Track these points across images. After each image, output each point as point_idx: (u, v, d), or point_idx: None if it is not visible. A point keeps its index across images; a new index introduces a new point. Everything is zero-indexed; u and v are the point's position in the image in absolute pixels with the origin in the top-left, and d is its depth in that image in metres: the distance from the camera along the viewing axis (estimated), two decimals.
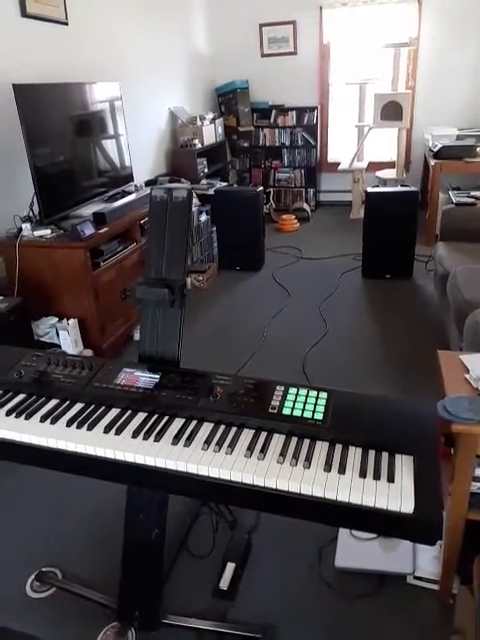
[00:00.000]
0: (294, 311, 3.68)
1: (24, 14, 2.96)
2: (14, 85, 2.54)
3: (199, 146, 4.97)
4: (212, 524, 1.84)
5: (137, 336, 3.35)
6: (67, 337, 2.74)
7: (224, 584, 1.65)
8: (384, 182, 5.59)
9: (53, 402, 1.33)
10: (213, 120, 5.41)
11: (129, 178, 3.76)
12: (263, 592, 1.67)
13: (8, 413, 1.29)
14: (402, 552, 1.72)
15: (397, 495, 1.01)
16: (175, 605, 1.60)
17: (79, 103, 3.15)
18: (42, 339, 2.75)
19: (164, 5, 4.72)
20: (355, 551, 1.74)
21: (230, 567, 1.69)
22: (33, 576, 1.75)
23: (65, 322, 2.77)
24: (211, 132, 5.31)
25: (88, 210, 3.14)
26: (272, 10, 5.74)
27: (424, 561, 1.69)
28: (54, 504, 2.09)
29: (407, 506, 1.00)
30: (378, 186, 4.79)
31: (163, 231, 1.46)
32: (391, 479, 1.05)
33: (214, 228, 4.48)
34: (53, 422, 1.25)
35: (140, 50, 4.34)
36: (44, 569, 1.77)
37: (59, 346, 2.76)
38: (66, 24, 3.32)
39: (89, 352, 2.87)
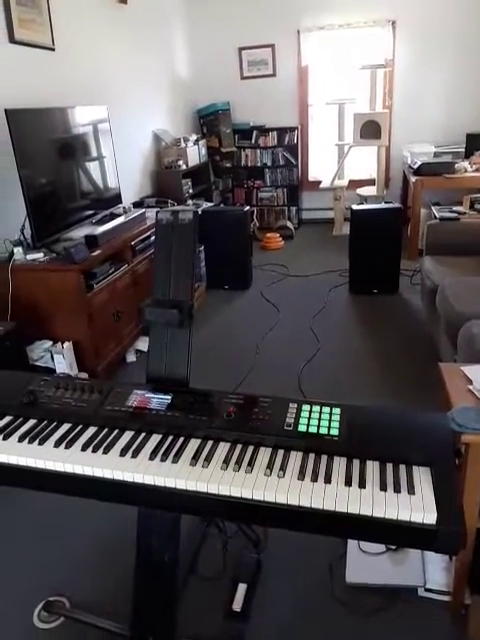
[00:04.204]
0: (285, 328, 3.71)
1: (12, 40, 2.98)
2: (6, 110, 2.55)
3: (183, 167, 5.02)
4: (223, 545, 1.83)
5: (131, 358, 3.34)
6: (62, 361, 2.72)
7: (237, 605, 1.63)
8: (365, 199, 5.71)
9: (65, 426, 1.32)
10: (196, 142, 5.48)
11: (117, 200, 3.77)
12: (276, 612, 1.66)
13: (20, 439, 1.27)
14: (412, 565, 1.73)
15: (419, 507, 1.02)
16: (189, 629, 1.58)
17: (69, 127, 3.17)
18: (36, 363, 2.72)
19: (146, 30, 4.80)
20: (365, 566, 1.74)
21: (242, 588, 1.68)
22: (40, 606, 1.72)
23: (59, 346, 2.75)
24: (195, 153, 5.37)
25: (79, 233, 3.14)
26: (251, 34, 5.88)
27: (434, 573, 1.70)
28: (58, 531, 2.06)
29: (430, 517, 1.01)
30: (362, 203, 4.89)
31: (170, 253, 1.47)
32: (411, 491, 1.06)
33: (202, 248, 4.51)
34: (68, 446, 1.24)
35: (124, 74, 4.40)
36: (51, 599, 1.74)
37: (54, 370, 2.73)
38: (53, 50, 3.36)
39: (84, 375, 2.85)
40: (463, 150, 5.25)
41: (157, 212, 1.48)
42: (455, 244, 3.44)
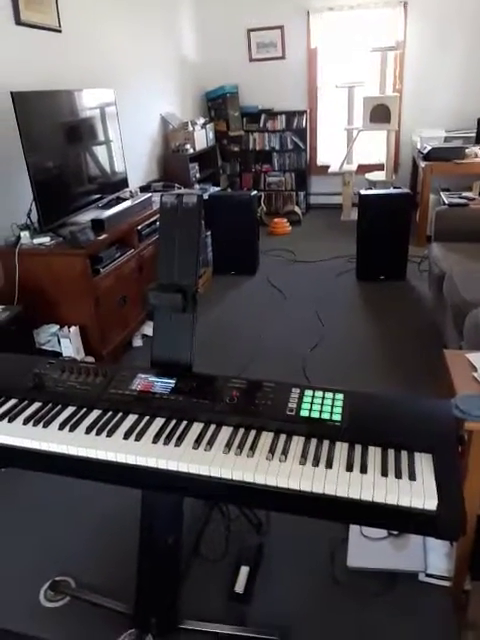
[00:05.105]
0: (291, 314, 3.71)
1: (18, 22, 2.96)
2: (12, 93, 2.53)
3: (191, 151, 4.99)
4: (226, 528, 1.85)
5: (137, 342, 3.35)
6: (69, 345, 2.73)
7: (239, 587, 1.65)
8: (374, 184, 5.65)
9: (70, 409, 1.33)
10: (204, 125, 5.44)
11: (124, 184, 3.76)
12: (277, 594, 1.68)
13: (25, 421, 1.29)
14: (413, 550, 1.74)
15: (420, 493, 1.03)
16: (191, 610, 1.60)
17: (76, 110, 3.14)
18: (43, 347, 2.74)
19: (154, 12, 4.74)
20: (367, 551, 1.76)
21: (244, 570, 1.70)
22: (46, 585, 1.75)
23: (66, 330, 2.77)
24: (202, 137, 5.33)
25: (85, 217, 3.14)
26: (260, 15, 5.79)
27: (435, 558, 1.71)
28: (64, 513, 2.08)
29: (430, 503, 1.01)
30: (370, 188, 4.84)
31: (174, 237, 1.46)
32: (412, 477, 1.06)
33: (208, 233, 4.49)
34: (72, 429, 1.25)
35: (131, 57, 4.36)
36: (57, 578, 1.77)
37: (60, 354, 2.75)
38: (59, 31, 3.33)
39: (91, 359, 2.86)
40: (474, 135, 5.17)
41: (161, 196, 1.48)
42: (464, 231, 3.41)
